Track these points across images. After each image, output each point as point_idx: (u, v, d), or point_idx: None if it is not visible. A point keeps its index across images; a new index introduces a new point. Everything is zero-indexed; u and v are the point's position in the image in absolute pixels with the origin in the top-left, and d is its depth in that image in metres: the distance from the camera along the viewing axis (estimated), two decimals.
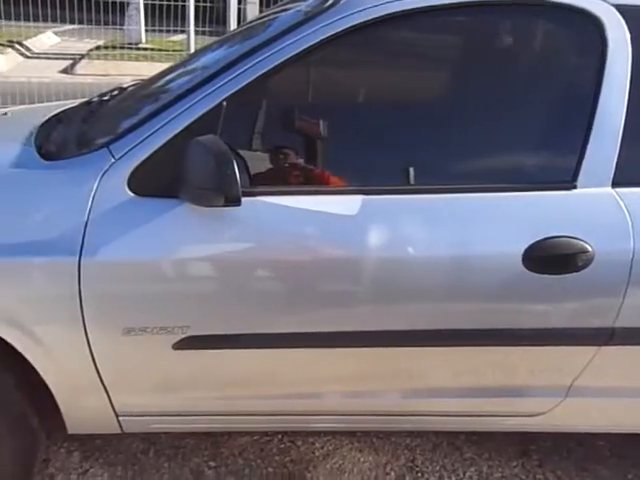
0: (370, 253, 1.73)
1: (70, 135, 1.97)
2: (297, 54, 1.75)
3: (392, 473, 2.23)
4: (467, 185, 1.77)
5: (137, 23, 10.64)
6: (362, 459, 2.28)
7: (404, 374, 1.93)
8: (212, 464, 2.24)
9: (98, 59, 9.79)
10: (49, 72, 8.92)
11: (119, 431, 1.95)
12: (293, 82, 1.95)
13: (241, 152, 1.77)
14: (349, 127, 1.92)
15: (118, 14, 10.29)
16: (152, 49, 10.32)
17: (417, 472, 2.24)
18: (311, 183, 1.85)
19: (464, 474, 2.25)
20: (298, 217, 1.72)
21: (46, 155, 1.84)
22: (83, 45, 10.85)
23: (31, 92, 5.93)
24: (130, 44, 10.53)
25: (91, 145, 1.78)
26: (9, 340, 1.71)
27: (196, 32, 9.56)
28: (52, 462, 2.19)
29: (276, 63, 1.73)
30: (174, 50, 10.22)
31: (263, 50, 1.76)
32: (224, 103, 1.68)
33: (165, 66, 2.62)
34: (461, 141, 1.85)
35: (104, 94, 2.36)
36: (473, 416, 2.03)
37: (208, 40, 7.63)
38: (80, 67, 9.44)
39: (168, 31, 10.15)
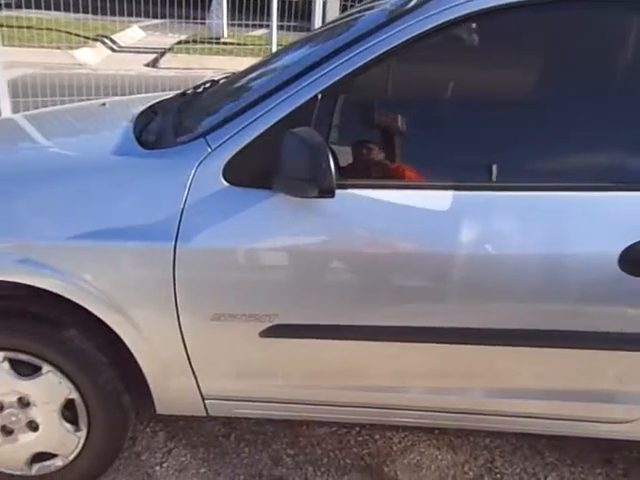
0: (460, 249, 1.72)
1: (167, 125, 2.04)
2: (388, 51, 1.75)
3: (470, 473, 2.21)
4: (563, 183, 1.74)
5: (219, 18, 10.84)
6: (440, 457, 2.28)
7: (488, 373, 1.91)
8: (291, 452, 2.27)
9: (181, 53, 10.03)
10: (135, 65, 9.21)
11: (204, 414, 2.01)
12: (383, 78, 1.95)
13: (332, 145, 1.80)
14: (440, 124, 1.91)
15: (200, 9, 10.51)
16: (233, 44, 10.49)
17: (496, 473, 2.21)
18: (400, 178, 1.85)
19: (545, 478, 2.20)
20: (387, 210, 1.73)
21: (145, 144, 1.91)
22: (167, 39, 11.14)
23: (118, 84, 6.14)
24: (212, 39, 10.73)
25: (188, 135, 1.84)
26: (107, 321, 1.79)
27: (279, 27, 9.66)
28: (138, 440, 2.28)
29: (367, 60, 1.74)
30: (255, 44, 10.36)
31: (355, 47, 1.76)
32: (319, 96, 1.71)
33: (246, 60, 2.67)
34: (558, 138, 1.81)
35: (198, 86, 2.43)
36: (557, 419, 1.99)
37: (289, 35, 7.71)
38: (164, 61, 9.70)
39: (250, 26, 10.29)
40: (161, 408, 1.99)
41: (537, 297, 1.76)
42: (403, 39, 1.75)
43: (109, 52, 10.28)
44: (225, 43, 10.58)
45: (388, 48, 1.75)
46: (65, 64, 8.53)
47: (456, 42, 1.90)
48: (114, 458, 2.08)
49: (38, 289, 1.78)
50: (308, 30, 7.30)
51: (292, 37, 7.60)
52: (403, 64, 1.93)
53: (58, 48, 9.07)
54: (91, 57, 9.41)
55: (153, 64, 9.66)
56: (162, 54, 10.13)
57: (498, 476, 2.20)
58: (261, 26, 10.28)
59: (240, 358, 1.89)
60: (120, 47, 10.70)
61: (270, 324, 1.78)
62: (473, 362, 1.88)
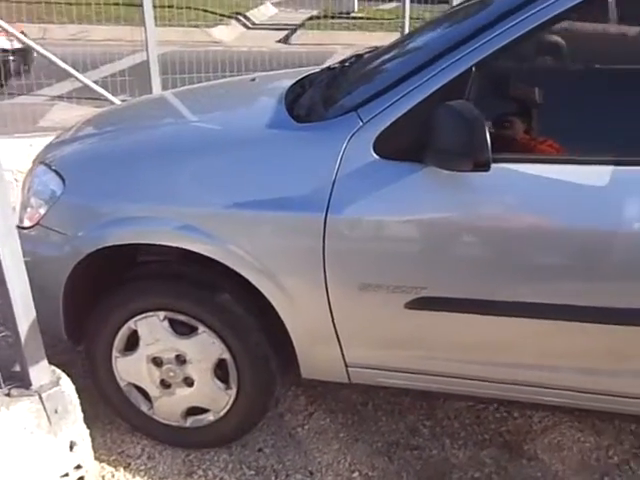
0: (618, 227, 1.66)
1: (318, 99, 2.09)
2: (544, 23, 1.70)
3: (615, 457, 2.15)
4: None
5: None
6: (582, 439, 2.22)
7: (637, 355, 1.83)
8: (427, 423, 2.30)
9: (312, 29, 10.17)
10: (268, 42, 9.44)
11: (346, 381, 2.07)
12: (537, 51, 1.91)
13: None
14: (596, 97, 1.84)
15: None
16: (364, 18, 10.48)
17: None
18: (553, 153, 1.80)
19: None
20: (542, 186, 1.69)
21: (297, 117, 1.97)
22: (298, 15, 11.32)
23: (252, 61, 6.30)
24: (342, 13, 10.77)
25: (340, 109, 1.88)
26: (260, 288, 1.88)
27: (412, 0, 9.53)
28: (281, 403, 2.38)
29: (523, 31, 1.70)
30: (385, 19, 10.29)
31: (511, 17, 1.72)
32: (473, 69, 1.69)
33: (377, 35, 2.67)
34: None
35: (344, 61, 2.46)
36: None
37: (420, 8, 7.58)
38: (295, 37, 9.89)
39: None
40: (306, 373, 2.06)
41: None
42: (555, 12, 1.69)
43: (243, 29, 10.60)
44: (355, 18, 10.59)
45: (541, 21, 1.70)
46: (202, 42, 8.88)
47: (610, 10, 1.82)
48: (261, 417, 2.19)
49: (197, 254, 1.89)
50: (441, 2, 7.14)
51: (424, 10, 7.48)
52: (556, 36, 1.88)
53: (196, 27, 9.44)
54: (226, 34, 9.74)
55: (285, 40, 9.87)
56: (293, 30, 10.31)
57: None
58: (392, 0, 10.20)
59: (384, 328, 1.93)
60: (253, 24, 10.99)
61: (416, 296, 1.80)
62: (622, 343, 1.81)
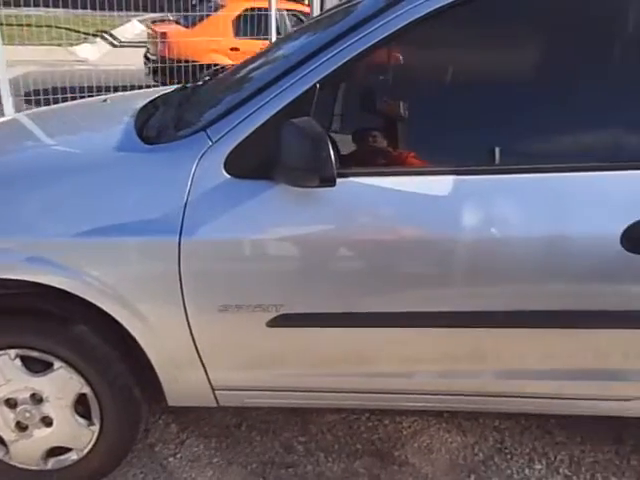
0: (462, 234, 1.73)
1: (168, 120, 2.05)
2: (389, 36, 1.75)
3: (480, 454, 2.23)
4: (563, 164, 1.74)
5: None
6: (450, 439, 2.30)
7: (494, 355, 1.92)
8: (302, 439, 2.30)
9: None
10: (135, 60, 9.19)
11: (215, 404, 2.03)
12: (385, 63, 1.96)
13: (332, 134, 1.81)
14: (439, 108, 1.90)
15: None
16: None
17: (506, 454, 2.23)
18: (401, 164, 1.86)
19: (555, 458, 2.22)
20: (390, 197, 1.74)
21: (146, 139, 1.92)
22: None
23: (120, 79, 6.14)
24: None
25: (189, 129, 1.85)
26: (116, 317, 1.81)
27: None
28: (152, 432, 2.31)
29: (367, 45, 1.74)
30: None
31: (355, 32, 1.77)
32: (317, 86, 1.71)
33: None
34: (556, 119, 1.81)
35: (198, 79, 2.44)
36: (565, 399, 2.00)
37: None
38: None
39: None
40: (172, 400, 2.01)
41: (542, 278, 1.77)
42: (401, 25, 1.75)
43: (109, 47, 10.30)
44: None
45: (386, 34, 1.75)
46: (66, 61, 8.56)
47: (455, 24, 1.90)
48: (128, 450, 2.11)
49: (46, 286, 1.80)
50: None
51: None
52: (402, 49, 1.93)
53: (59, 45, 9.09)
54: (91, 53, 9.44)
55: None
56: None
57: (508, 456, 2.22)
58: None
59: (248, 348, 1.91)
60: (120, 42, 10.71)
61: (277, 314, 1.80)
62: (479, 345, 1.89)
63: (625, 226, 1.68)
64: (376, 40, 1.75)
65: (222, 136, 1.75)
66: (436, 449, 2.25)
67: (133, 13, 10.65)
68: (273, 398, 2.07)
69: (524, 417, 2.38)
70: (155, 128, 2.02)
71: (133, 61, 9.07)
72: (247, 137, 1.73)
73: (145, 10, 10.40)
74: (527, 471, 2.17)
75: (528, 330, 1.84)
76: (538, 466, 2.19)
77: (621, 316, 1.80)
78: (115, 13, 8.91)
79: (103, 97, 2.70)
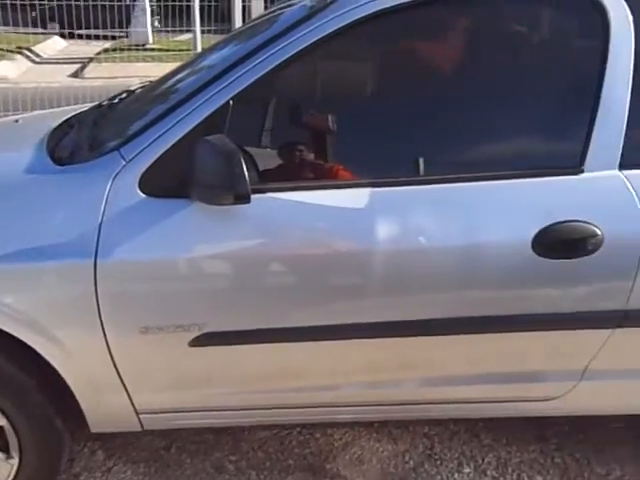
0: (380, 245, 1.75)
1: (81, 139, 2.00)
2: (302, 50, 1.76)
3: (411, 462, 2.25)
4: (475, 173, 1.78)
5: (143, 24, 10.70)
6: (381, 449, 2.31)
7: (419, 363, 1.94)
8: (233, 458, 2.27)
9: (106, 62, 9.86)
10: (59, 77, 8.99)
11: (140, 429, 1.98)
12: (299, 78, 1.96)
13: (250, 150, 1.80)
14: (356, 121, 1.93)
15: (124, 16, 10.34)
16: (159, 49, 10.38)
17: (436, 460, 2.26)
18: (320, 178, 1.87)
19: (483, 460, 2.26)
20: (307, 212, 1.74)
21: (58, 160, 1.87)
22: (91, 48, 10.94)
23: (41, 97, 5.98)
24: (137, 45, 10.59)
25: (102, 149, 1.81)
26: (30, 343, 1.75)
27: (202, 31, 9.59)
28: (77, 461, 2.23)
29: (281, 60, 1.75)
30: (181, 50, 10.28)
31: (268, 48, 1.77)
32: (231, 102, 1.71)
33: (172, 66, 2.66)
34: (467, 130, 1.85)
35: (113, 97, 2.39)
36: (489, 402, 2.04)
37: (214, 39, 7.64)
38: (89, 71, 9.51)
39: (175, 31, 10.19)
40: (95, 427, 1.95)
41: (458, 286, 1.81)
42: (316, 38, 1.76)
43: (30, 64, 10.01)
44: (151, 49, 10.45)
45: (300, 48, 1.76)
46: None
47: (371, 38, 1.92)
48: None
49: None
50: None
51: (216, 40, 7.55)
52: (318, 63, 1.95)
53: None
54: (11, 70, 9.14)
55: (77, 74, 9.45)
56: (86, 64, 9.93)
57: (438, 462, 2.25)
58: (186, 31, 10.19)
59: (172, 370, 1.88)
60: (42, 58, 10.43)
61: (198, 333, 1.77)
62: (404, 354, 1.91)
63: (536, 231, 1.73)
64: (292, 53, 1.75)
65: (135, 155, 1.72)
66: (367, 459, 2.26)
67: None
68: (201, 419, 2.04)
69: (453, 422, 2.42)
70: (68, 148, 1.97)
71: (56, 78, 8.86)
72: (161, 156, 1.71)
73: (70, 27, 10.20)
74: (456, 475, 2.20)
75: (451, 337, 1.87)
76: (467, 470, 2.22)
77: (538, 319, 1.85)
78: (39, 30, 8.72)
79: (14, 117, 2.62)
